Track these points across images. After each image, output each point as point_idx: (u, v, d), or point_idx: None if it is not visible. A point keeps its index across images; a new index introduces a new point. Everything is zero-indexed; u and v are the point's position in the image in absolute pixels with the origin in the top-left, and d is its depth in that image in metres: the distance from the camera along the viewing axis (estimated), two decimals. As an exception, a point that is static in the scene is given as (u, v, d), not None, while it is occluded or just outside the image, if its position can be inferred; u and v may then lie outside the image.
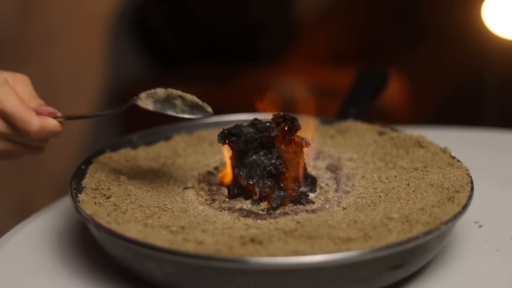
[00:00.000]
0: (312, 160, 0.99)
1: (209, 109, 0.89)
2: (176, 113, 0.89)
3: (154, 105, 0.89)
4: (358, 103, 1.14)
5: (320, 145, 1.04)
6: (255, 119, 0.90)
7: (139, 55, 2.85)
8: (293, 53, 3.17)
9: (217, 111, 1.22)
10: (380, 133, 1.05)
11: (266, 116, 0.92)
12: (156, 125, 1.09)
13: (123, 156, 0.99)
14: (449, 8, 3.23)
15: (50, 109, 0.91)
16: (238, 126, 0.89)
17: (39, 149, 0.95)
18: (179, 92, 0.90)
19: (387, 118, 2.31)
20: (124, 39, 2.75)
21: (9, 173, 2.42)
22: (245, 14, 2.97)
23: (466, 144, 1.23)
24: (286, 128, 0.89)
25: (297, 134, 0.90)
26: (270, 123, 0.89)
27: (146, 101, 0.89)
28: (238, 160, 0.90)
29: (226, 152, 0.93)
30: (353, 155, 1.00)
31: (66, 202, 1.02)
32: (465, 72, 3.16)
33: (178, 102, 0.90)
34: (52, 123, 0.90)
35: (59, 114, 0.91)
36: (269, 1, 3.09)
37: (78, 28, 2.47)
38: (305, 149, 0.90)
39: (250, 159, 0.89)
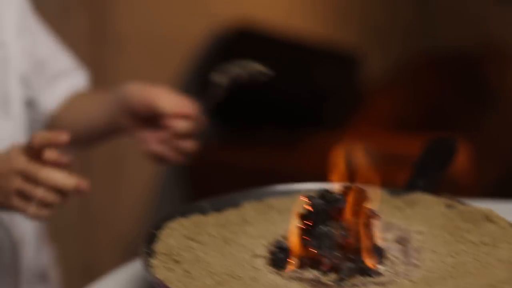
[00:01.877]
0: (380, 232, 1.00)
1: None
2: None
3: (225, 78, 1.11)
4: (426, 175, 1.14)
5: (388, 216, 1.04)
6: (325, 190, 0.91)
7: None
8: (358, 119, 3.18)
9: (283, 176, 1.24)
10: (448, 206, 1.05)
11: (333, 185, 0.94)
12: (221, 191, 1.11)
13: (193, 222, 1.01)
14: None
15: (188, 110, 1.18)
16: (310, 198, 0.91)
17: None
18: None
19: (450, 185, 2.30)
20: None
21: (74, 230, 2.47)
22: (310, 80, 3.00)
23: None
24: (354, 200, 0.90)
25: (364, 205, 0.91)
26: (339, 194, 0.90)
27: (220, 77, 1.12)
28: (308, 230, 0.91)
29: (296, 222, 0.94)
30: (421, 227, 1.00)
31: (131, 266, 1.04)
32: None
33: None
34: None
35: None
36: (334, 68, 3.12)
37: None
38: (373, 221, 0.91)
39: (320, 230, 0.90)
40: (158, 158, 1.24)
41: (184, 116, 1.20)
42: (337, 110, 3.06)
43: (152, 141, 1.23)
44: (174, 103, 1.21)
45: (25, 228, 1.31)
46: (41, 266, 1.37)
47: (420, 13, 4.05)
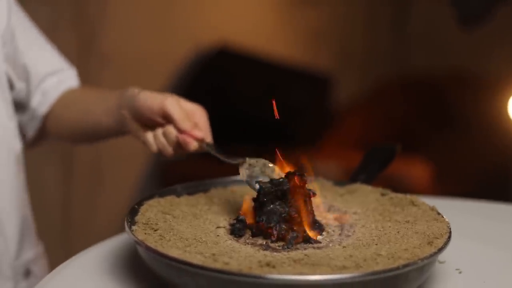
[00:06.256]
0: (324, 212, 1.20)
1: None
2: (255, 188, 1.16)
3: (246, 177, 1.20)
4: (367, 171, 1.35)
5: (331, 201, 1.25)
6: (273, 178, 1.13)
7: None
8: (330, 138, 3.36)
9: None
10: (382, 194, 1.26)
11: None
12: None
13: (169, 201, 1.21)
14: (476, 101, 3.42)
15: (200, 134, 1.27)
16: (260, 182, 1.12)
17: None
18: (271, 169, 1.21)
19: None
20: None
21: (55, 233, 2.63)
22: (283, 99, 3.16)
23: (467, 213, 1.44)
24: (296, 183, 1.11)
25: (305, 186, 1.11)
26: (283, 179, 1.11)
27: (243, 171, 1.21)
28: (259, 209, 1.12)
29: (249, 203, 1.15)
30: (357, 210, 1.21)
31: (120, 237, 1.24)
32: (489, 164, 3.32)
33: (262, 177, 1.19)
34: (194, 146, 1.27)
35: (206, 141, 1.27)
36: (306, 89, 3.30)
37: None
38: (313, 199, 1.12)
39: (268, 208, 1.11)
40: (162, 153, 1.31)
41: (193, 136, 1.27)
42: (309, 129, 3.24)
43: (157, 138, 1.30)
44: (185, 112, 1.28)
45: (3, 229, 1.39)
46: (24, 263, 1.45)
47: (396, 41, 4.27)
